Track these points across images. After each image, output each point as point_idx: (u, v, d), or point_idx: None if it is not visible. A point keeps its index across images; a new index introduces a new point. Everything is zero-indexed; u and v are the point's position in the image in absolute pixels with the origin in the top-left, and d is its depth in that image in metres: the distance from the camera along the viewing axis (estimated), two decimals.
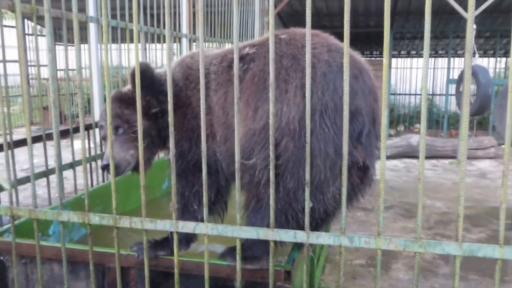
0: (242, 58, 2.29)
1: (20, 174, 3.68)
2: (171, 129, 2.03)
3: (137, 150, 2.46)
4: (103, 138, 2.59)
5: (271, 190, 1.91)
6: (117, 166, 2.40)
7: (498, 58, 14.26)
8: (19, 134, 8.34)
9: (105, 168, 2.40)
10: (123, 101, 2.51)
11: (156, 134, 2.56)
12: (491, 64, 14.44)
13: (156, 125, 2.54)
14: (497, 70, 14.71)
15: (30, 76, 12.35)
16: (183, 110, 2.46)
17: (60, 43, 12.54)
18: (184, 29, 5.97)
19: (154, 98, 2.50)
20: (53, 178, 3.46)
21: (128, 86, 2.59)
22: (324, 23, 12.28)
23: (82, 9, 3.76)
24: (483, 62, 14.40)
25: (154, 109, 2.50)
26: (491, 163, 8.89)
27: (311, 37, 1.79)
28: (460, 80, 9.24)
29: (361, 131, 2.13)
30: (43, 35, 11.71)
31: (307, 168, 1.87)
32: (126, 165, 2.48)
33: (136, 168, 2.56)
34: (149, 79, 2.44)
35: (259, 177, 2.15)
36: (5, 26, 10.82)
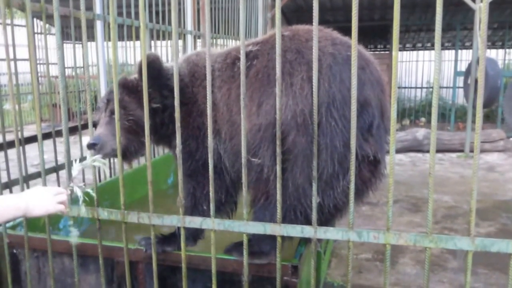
0: (245, 55, 2.29)
1: (31, 170, 3.73)
2: (177, 124, 2.05)
3: (124, 138, 2.42)
4: (97, 120, 2.56)
5: (278, 185, 1.93)
6: (102, 148, 2.37)
7: (507, 50, 14.08)
8: (29, 131, 8.40)
9: (91, 147, 2.35)
10: (126, 88, 2.49)
11: (151, 128, 2.48)
12: (499, 56, 14.28)
13: (153, 119, 2.46)
14: (506, 61, 14.54)
15: (39, 74, 12.44)
16: (188, 107, 2.45)
17: (68, 41, 12.61)
18: (189, 25, 5.98)
19: (157, 92, 2.46)
20: (63, 173, 3.51)
21: (135, 75, 2.57)
22: (327, 17, 12.20)
23: (89, 7, 3.78)
24: (491, 53, 14.26)
25: (155, 105, 2.45)
26: (500, 156, 8.81)
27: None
28: (467, 73, 9.16)
29: (371, 123, 2.11)
30: (52, 34, 11.78)
31: (315, 163, 1.88)
32: (110, 150, 2.43)
33: (123, 156, 2.51)
34: (156, 71, 2.42)
35: (267, 174, 2.15)
36: (16, 25, 10.95)
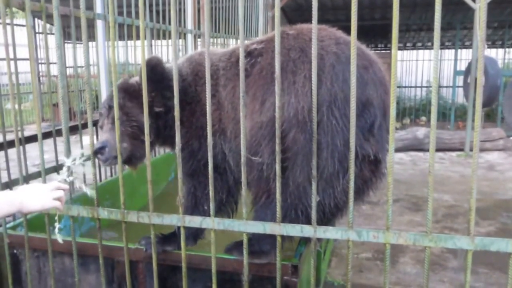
0: (249, 53, 2.29)
1: (32, 169, 3.72)
2: (177, 123, 2.04)
3: (130, 144, 2.43)
4: (101, 127, 2.55)
5: (278, 184, 1.92)
6: (111, 151, 2.38)
7: (507, 49, 14.09)
8: (30, 130, 8.41)
9: (99, 151, 2.35)
10: (128, 93, 2.48)
11: (155, 132, 2.51)
12: (499, 55, 14.30)
13: (156, 123, 2.50)
14: (506, 61, 14.56)
15: (40, 74, 12.45)
16: (192, 107, 2.45)
17: (69, 41, 12.62)
18: (189, 25, 5.98)
19: (160, 95, 2.45)
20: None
21: (136, 78, 2.55)
22: (328, 17, 12.21)
23: (89, 7, 3.76)
24: (491, 53, 14.27)
25: (158, 109, 2.45)
26: (500, 155, 8.82)
27: (318, 31, 1.79)
28: (467, 72, 9.17)
29: (373, 122, 2.11)
30: (53, 33, 11.78)
31: (314, 162, 1.88)
32: (115, 157, 2.38)
33: (127, 161, 2.53)
34: (158, 74, 2.42)
35: (267, 172, 2.15)
36: (16, 25, 10.96)
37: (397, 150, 8.98)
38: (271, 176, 2.13)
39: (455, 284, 3.76)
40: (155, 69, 2.37)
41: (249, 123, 2.17)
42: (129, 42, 4.49)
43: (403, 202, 5.93)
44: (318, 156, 1.92)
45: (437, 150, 9.03)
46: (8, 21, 3.23)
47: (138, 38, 4.20)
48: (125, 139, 2.42)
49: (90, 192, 2.18)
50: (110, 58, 2.31)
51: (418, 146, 9.06)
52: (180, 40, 5.66)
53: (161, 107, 2.47)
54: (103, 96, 5.05)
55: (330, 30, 2.26)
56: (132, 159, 2.52)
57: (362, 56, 2.08)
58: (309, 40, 2.15)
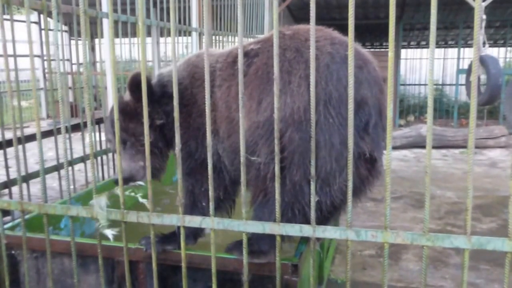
0: (246, 54, 2.28)
1: (35, 167, 3.72)
2: (176, 124, 2.04)
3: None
4: (115, 152, 2.59)
5: (277, 184, 1.92)
6: (132, 177, 2.56)
7: (508, 48, 14.11)
8: (34, 127, 8.43)
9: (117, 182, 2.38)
10: (126, 114, 2.52)
11: (163, 144, 2.62)
12: (501, 54, 14.33)
13: (162, 134, 2.58)
14: (507, 59, 14.59)
15: (46, 70, 12.43)
16: (188, 108, 2.46)
17: (74, 38, 12.62)
18: (194, 23, 5.98)
19: (157, 106, 2.51)
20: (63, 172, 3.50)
21: (127, 96, 2.56)
22: (333, 15, 12.19)
23: (93, 3, 3.74)
24: (493, 52, 14.27)
25: (159, 121, 2.53)
26: (502, 152, 8.82)
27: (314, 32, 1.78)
28: (470, 70, 9.18)
29: (367, 121, 2.11)
30: (58, 30, 11.75)
31: (312, 162, 1.87)
32: (141, 175, 2.58)
33: (152, 176, 2.57)
34: (147, 89, 2.43)
35: (264, 172, 2.14)
36: (18, 21, 10.94)
37: (401, 147, 9.00)
38: (268, 175, 2.13)
39: (457, 281, 3.75)
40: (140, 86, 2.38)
41: (245, 123, 2.16)
42: (134, 39, 4.49)
43: (407, 199, 5.92)
44: (315, 155, 1.91)
45: (441, 147, 9.05)
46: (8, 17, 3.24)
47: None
48: (141, 158, 2.54)
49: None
50: (116, 55, 2.30)
51: (422, 143, 9.07)
52: (185, 38, 5.66)
53: (162, 119, 2.55)
54: (109, 93, 5.02)
55: (326, 31, 2.26)
56: (154, 172, 2.57)
57: (356, 56, 2.08)
58: (305, 40, 2.16)
